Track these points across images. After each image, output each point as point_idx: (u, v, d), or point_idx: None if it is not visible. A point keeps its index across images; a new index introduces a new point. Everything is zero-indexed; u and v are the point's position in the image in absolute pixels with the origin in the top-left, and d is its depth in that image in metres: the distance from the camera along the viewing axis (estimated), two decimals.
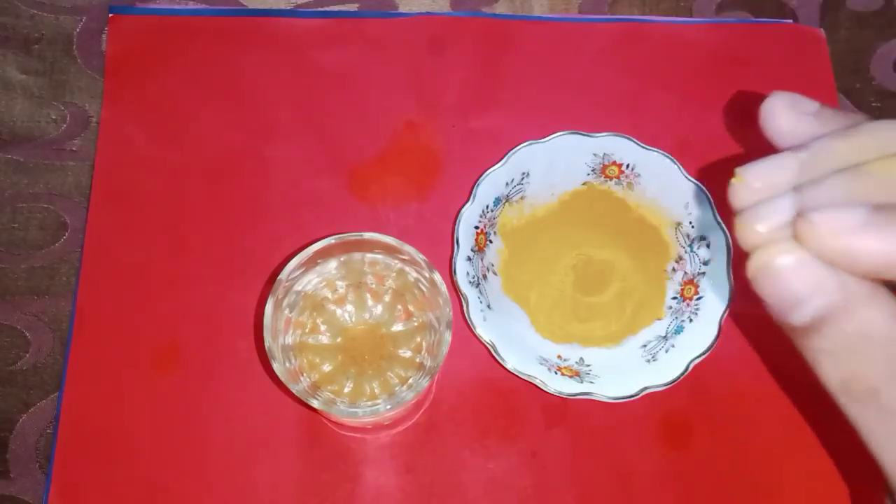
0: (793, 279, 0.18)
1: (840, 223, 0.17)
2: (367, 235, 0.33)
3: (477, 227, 0.39)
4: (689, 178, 0.39)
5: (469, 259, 0.38)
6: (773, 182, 0.19)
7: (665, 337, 0.39)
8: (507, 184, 0.40)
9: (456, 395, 0.39)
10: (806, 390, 0.39)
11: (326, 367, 0.35)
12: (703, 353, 0.37)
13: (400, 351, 0.35)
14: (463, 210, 0.39)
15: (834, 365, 0.18)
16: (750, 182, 0.20)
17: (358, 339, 0.35)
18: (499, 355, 0.37)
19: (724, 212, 0.39)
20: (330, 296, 0.36)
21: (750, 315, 0.40)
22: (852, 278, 0.18)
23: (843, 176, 0.18)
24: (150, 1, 0.46)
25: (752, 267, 0.19)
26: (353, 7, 0.47)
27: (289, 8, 0.47)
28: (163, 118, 0.44)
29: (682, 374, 0.37)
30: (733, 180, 0.20)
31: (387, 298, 0.36)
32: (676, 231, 0.40)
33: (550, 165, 0.41)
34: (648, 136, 0.40)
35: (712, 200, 0.39)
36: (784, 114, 0.21)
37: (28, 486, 0.38)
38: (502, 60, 0.45)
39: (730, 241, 0.38)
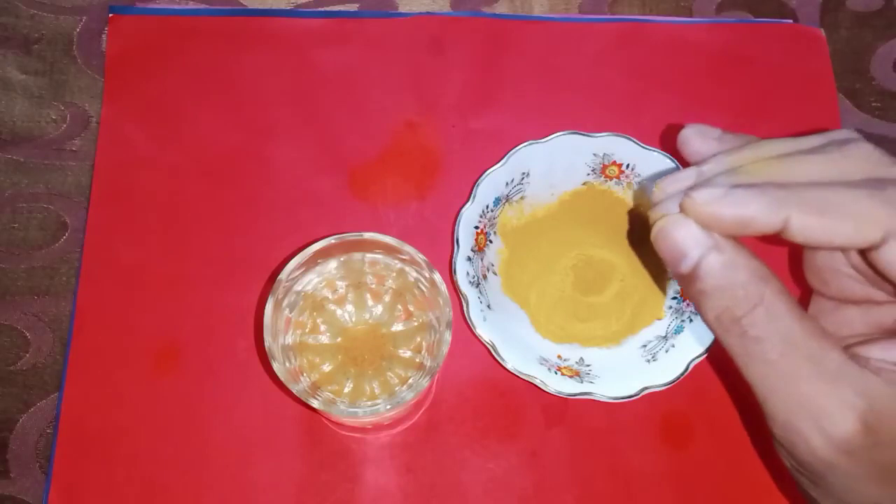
0: (677, 235, 0.25)
1: (707, 196, 0.24)
2: (367, 235, 0.33)
3: (477, 227, 0.39)
4: None
5: (469, 259, 0.38)
6: (680, 187, 0.26)
7: (665, 337, 0.39)
8: (507, 184, 0.40)
9: (456, 395, 0.39)
10: None
11: (326, 367, 0.35)
12: (703, 353, 0.37)
13: (400, 351, 0.35)
14: (463, 210, 0.39)
15: (709, 302, 0.24)
16: (664, 188, 0.27)
17: (358, 339, 0.35)
18: (499, 355, 0.37)
19: None
20: (330, 296, 0.36)
21: None
22: (721, 236, 0.24)
23: (724, 174, 0.25)
24: (150, 1, 0.46)
25: (653, 233, 0.26)
26: (353, 7, 0.47)
27: (289, 8, 0.47)
28: (163, 118, 0.44)
29: (682, 374, 0.37)
30: (654, 188, 0.27)
31: (387, 298, 0.36)
32: None
33: (550, 165, 0.41)
34: (648, 136, 0.40)
35: None
36: (694, 139, 0.28)
37: (28, 486, 0.38)
38: (502, 60, 0.45)
39: None
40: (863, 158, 0.25)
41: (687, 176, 0.27)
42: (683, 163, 0.40)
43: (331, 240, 0.33)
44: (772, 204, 0.23)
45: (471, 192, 0.39)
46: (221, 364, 0.39)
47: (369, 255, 0.35)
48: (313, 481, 0.38)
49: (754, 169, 0.25)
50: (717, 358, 0.37)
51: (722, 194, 0.24)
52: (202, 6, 0.46)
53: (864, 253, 0.25)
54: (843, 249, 0.27)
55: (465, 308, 0.37)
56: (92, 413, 0.38)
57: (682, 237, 0.24)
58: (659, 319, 0.40)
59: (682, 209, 0.25)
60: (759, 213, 0.23)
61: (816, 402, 0.23)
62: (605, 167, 0.41)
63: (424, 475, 0.38)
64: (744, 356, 0.24)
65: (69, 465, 0.38)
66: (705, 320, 0.25)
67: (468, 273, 0.38)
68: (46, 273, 0.41)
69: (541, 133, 0.40)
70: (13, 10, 0.46)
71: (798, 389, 0.23)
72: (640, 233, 0.41)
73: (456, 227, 0.39)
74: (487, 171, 0.40)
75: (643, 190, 0.41)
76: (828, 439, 0.23)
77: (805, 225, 0.23)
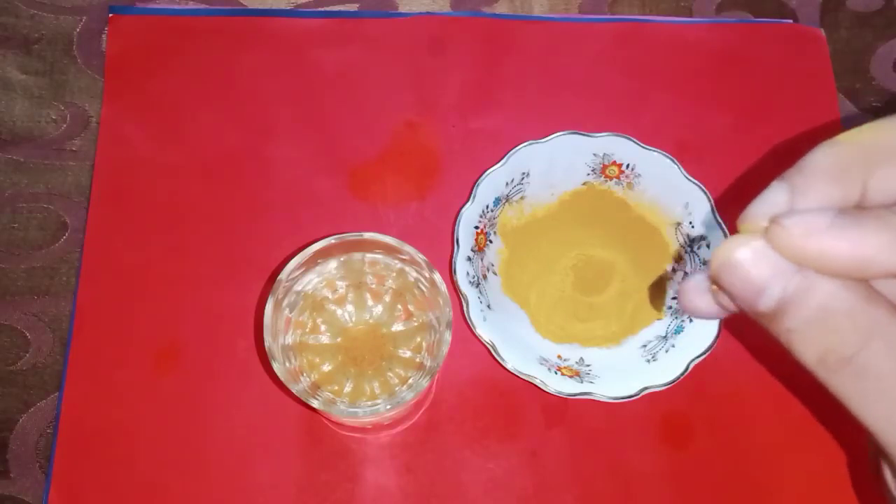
0: (753, 267, 0.19)
1: (808, 225, 0.18)
2: (367, 235, 0.33)
3: (477, 227, 0.39)
4: (689, 178, 0.39)
5: (469, 259, 0.38)
6: (767, 210, 0.20)
7: (665, 337, 0.39)
8: (507, 184, 0.40)
9: (456, 395, 0.39)
10: (806, 390, 0.39)
11: (326, 367, 0.35)
12: (703, 353, 0.37)
13: (400, 351, 0.35)
14: (463, 210, 0.39)
15: (806, 342, 0.19)
16: (752, 214, 0.20)
17: (358, 339, 0.35)
18: (499, 355, 0.37)
19: (724, 212, 0.39)
20: (330, 296, 0.36)
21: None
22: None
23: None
24: (150, 1, 0.46)
25: (714, 266, 0.20)
26: (353, 7, 0.47)
27: (289, 8, 0.47)
28: (163, 118, 0.44)
29: (682, 374, 0.37)
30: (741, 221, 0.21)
31: (387, 298, 0.36)
32: (676, 231, 0.40)
33: (550, 165, 0.41)
34: (648, 136, 0.40)
35: (712, 200, 0.39)
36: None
37: (28, 486, 0.38)
38: (502, 60, 0.45)
39: None
40: None
41: (777, 196, 0.20)
42: (691, 162, 0.40)
43: (331, 240, 0.33)
44: None
45: (471, 192, 0.39)
46: (221, 364, 0.39)
47: (369, 255, 0.35)
48: (313, 481, 0.38)
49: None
50: (718, 358, 0.37)
51: (828, 223, 0.18)
52: (202, 6, 0.46)
53: None
54: None
55: (465, 308, 0.37)
56: (92, 413, 0.38)
57: (757, 267, 0.19)
58: (659, 319, 0.40)
59: (771, 240, 0.19)
60: (885, 247, 0.18)
61: None
62: (605, 167, 0.41)
63: (424, 475, 0.38)
64: (860, 398, 0.19)
65: (69, 465, 0.37)
66: (803, 363, 0.20)
67: (468, 273, 0.38)
68: (46, 273, 0.41)
69: (541, 133, 0.40)
70: (13, 10, 0.46)
71: None
72: (640, 233, 0.41)
73: (456, 227, 0.39)
74: (487, 171, 0.40)
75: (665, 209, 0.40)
76: None
77: None
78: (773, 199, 0.19)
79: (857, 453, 0.38)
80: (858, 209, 0.19)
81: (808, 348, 0.19)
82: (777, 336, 0.20)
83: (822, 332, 0.19)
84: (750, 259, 0.19)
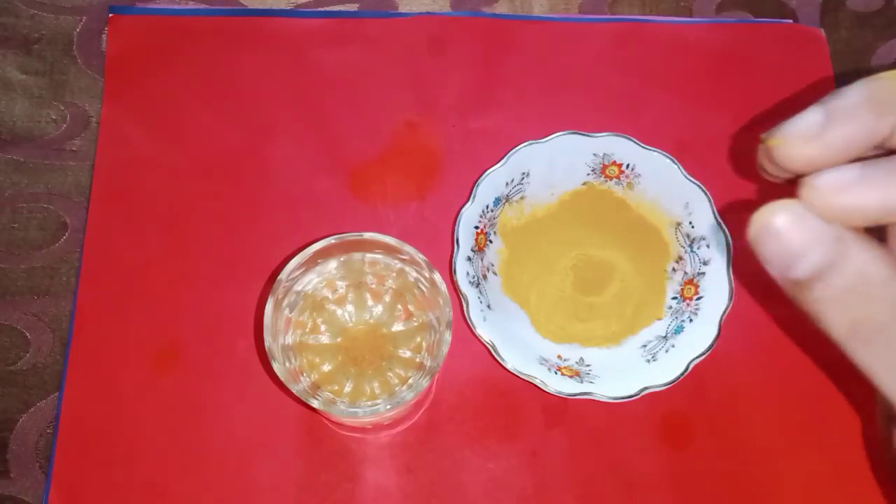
0: (791, 233, 0.19)
1: (839, 181, 0.19)
2: (367, 235, 0.33)
3: (477, 227, 0.39)
4: (689, 178, 0.39)
5: (469, 259, 0.38)
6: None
7: (665, 337, 0.39)
8: (507, 184, 0.40)
9: (456, 395, 0.39)
10: (806, 390, 0.40)
11: (326, 367, 0.35)
12: (703, 353, 0.37)
13: (400, 351, 0.35)
14: (463, 210, 0.39)
15: (840, 311, 0.19)
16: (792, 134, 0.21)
17: (358, 339, 0.35)
18: (499, 355, 0.37)
19: (725, 212, 0.39)
20: (330, 296, 0.36)
21: (750, 315, 0.41)
22: (843, 227, 0.19)
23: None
24: (150, 1, 0.46)
25: (752, 231, 0.20)
26: (353, 7, 0.47)
27: (289, 8, 0.47)
28: (163, 118, 0.44)
29: (682, 374, 0.37)
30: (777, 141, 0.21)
31: (387, 298, 0.36)
32: (676, 231, 0.40)
33: (550, 165, 0.41)
34: (648, 136, 0.40)
35: (712, 200, 0.39)
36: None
37: (28, 486, 0.38)
38: (502, 60, 0.45)
39: (730, 241, 0.38)
40: None
41: (812, 117, 0.20)
42: (691, 162, 0.40)
43: (331, 240, 0.33)
44: None
45: (471, 192, 0.39)
46: (221, 364, 0.39)
47: (369, 255, 0.35)
48: (313, 481, 0.38)
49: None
50: (718, 358, 0.37)
51: (857, 176, 0.19)
52: (202, 6, 0.46)
53: None
54: None
55: (465, 308, 0.37)
56: (92, 413, 0.38)
57: (796, 233, 0.19)
58: (659, 319, 0.40)
59: (805, 201, 0.19)
60: None
61: None
62: (605, 167, 0.41)
63: (424, 475, 0.38)
64: (888, 369, 0.19)
65: (69, 465, 0.37)
66: (832, 333, 0.20)
67: (468, 273, 0.38)
68: (46, 273, 0.41)
69: (541, 133, 0.40)
70: (13, 10, 0.46)
71: None
72: (640, 233, 0.41)
73: (456, 227, 0.39)
74: (487, 171, 0.40)
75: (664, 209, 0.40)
76: None
77: None
78: (808, 118, 0.20)
79: (857, 453, 0.38)
80: (881, 159, 0.19)
81: (840, 317, 0.19)
82: (805, 305, 0.20)
83: (856, 300, 0.19)
84: (789, 224, 0.19)
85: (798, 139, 0.19)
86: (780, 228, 0.19)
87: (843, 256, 0.19)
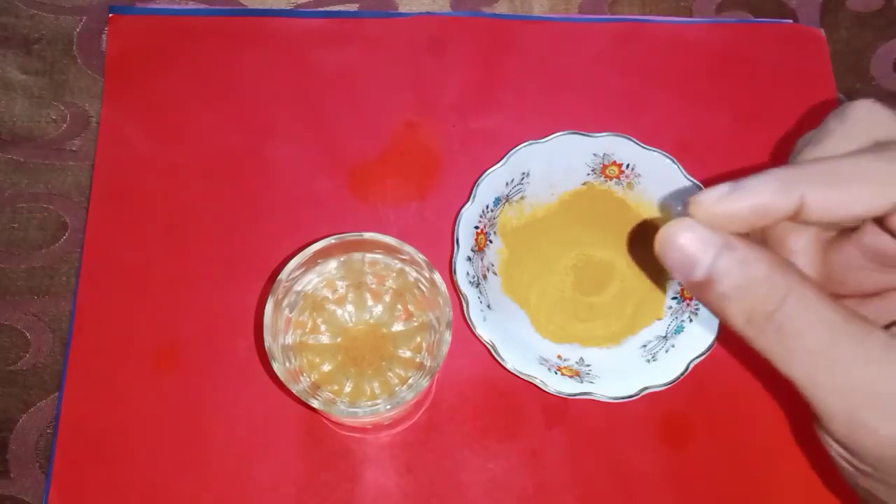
0: (686, 243, 0.23)
1: (715, 194, 0.23)
2: (367, 235, 0.33)
3: (477, 227, 0.39)
4: (689, 178, 0.39)
5: (469, 259, 0.38)
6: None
7: (665, 337, 0.39)
8: (507, 184, 0.40)
9: (456, 395, 0.39)
10: None
11: (326, 367, 0.35)
12: (703, 353, 0.37)
13: (400, 351, 0.35)
14: (463, 210, 0.39)
15: (735, 306, 0.22)
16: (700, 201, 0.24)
17: (358, 339, 0.35)
18: (499, 355, 0.37)
19: None
20: (330, 296, 0.36)
21: None
22: (728, 234, 0.23)
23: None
24: (150, 1, 0.46)
25: (657, 247, 0.24)
26: (353, 7, 0.47)
27: (289, 8, 0.47)
28: (163, 118, 0.44)
29: (682, 374, 0.37)
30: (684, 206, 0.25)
31: (387, 298, 0.36)
32: None
33: (550, 165, 0.41)
34: (648, 136, 0.40)
35: None
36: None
37: (28, 486, 0.38)
38: (502, 60, 0.45)
39: None
40: (863, 119, 0.24)
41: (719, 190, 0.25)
42: (691, 162, 0.41)
43: (331, 240, 0.33)
44: (783, 185, 0.22)
45: (471, 192, 0.39)
46: (221, 364, 0.39)
47: (369, 255, 0.35)
48: (313, 481, 0.38)
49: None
50: (717, 358, 0.37)
51: (729, 189, 0.23)
52: (202, 6, 0.46)
53: (881, 222, 0.24)
54: (863, 219, 0.25)
55: (465, 308, 0.37)
56: (92, 413, 0.38)
57: (688, 242, 0.23)
58: (659, 319, 0.40)
59: (691, 214, 0.23)
60: (773, 197, 0.22)
61: (879, 387, 0.21)
62: (605, 167, 0.41)
63: (424, 475, 0.38)
64: (784, 355, 0.22)
65: (69, 465, 0.37)
66: (734, 326, 0.23)
67: (468, 273, 0.38)
68: (46, 273, 0.41)
69: (541, 133, 0.40)
70: (13, 10, 0.46)
71: (854, 378, 0.21)
72: (640, 233, 0.41)
73: (456, 227, 0.39)
74: (487, 171, 0.40)
75: (666, 208, 0.40)
76: None
77: (821, 199, 0.22)
78: (718, 188, 0.23)
79: None
80: (751, 175, 0.23)
81: (736, 311, 0.22)
82: (708, 305, 0.23)
83: (746, 295, 0.22)
84: (684, 236, 0.23)
85: (704, 205, 0.23)
86: (677, 240, 0.23)
87: (730, 258, 0.22)
